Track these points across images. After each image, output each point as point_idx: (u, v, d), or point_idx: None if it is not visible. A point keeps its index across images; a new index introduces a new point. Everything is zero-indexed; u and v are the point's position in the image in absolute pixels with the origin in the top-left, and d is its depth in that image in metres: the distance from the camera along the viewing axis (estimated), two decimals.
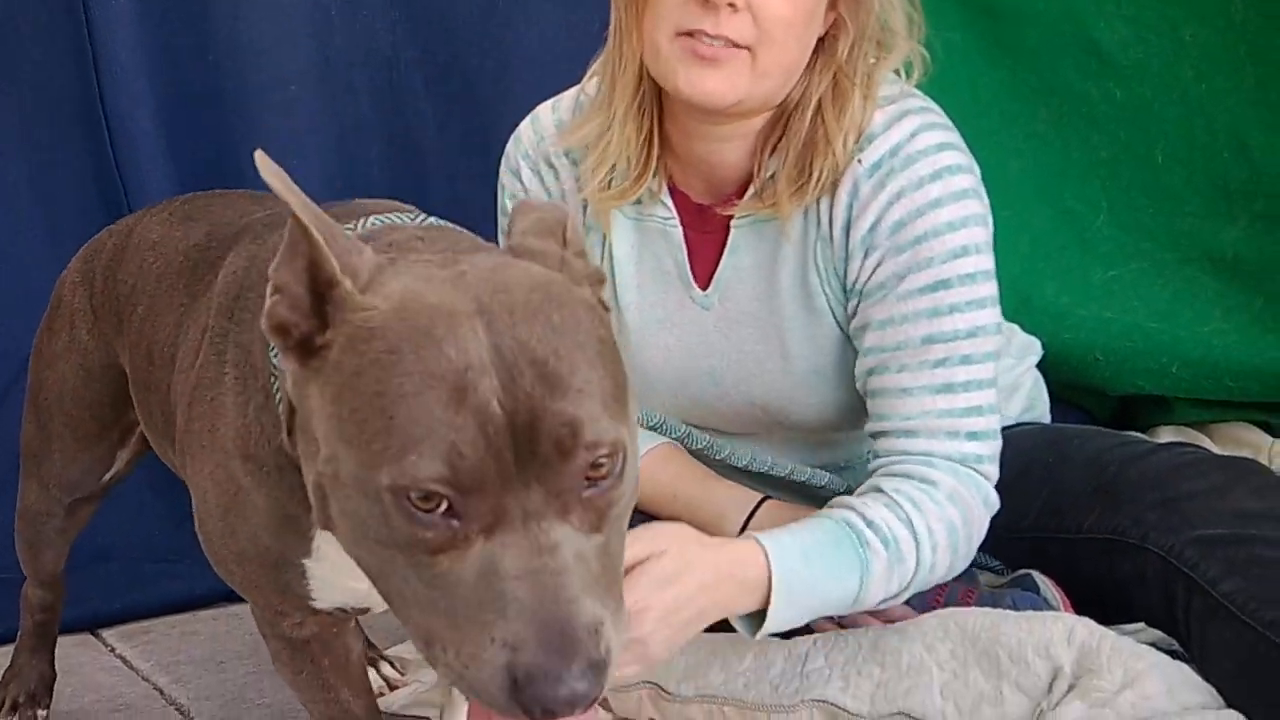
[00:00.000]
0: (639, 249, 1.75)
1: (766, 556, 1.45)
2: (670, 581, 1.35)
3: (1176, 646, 1.60)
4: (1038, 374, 2.03)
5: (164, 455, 1.49)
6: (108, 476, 1.73)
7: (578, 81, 1.76)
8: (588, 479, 0.92)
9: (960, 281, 1.59)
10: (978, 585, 1.81)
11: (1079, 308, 2.55)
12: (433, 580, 0.91)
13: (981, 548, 1.79)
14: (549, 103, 1.81)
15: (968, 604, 1.72)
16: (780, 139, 1.63)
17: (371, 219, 1.17)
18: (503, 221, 1.88)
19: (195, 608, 2.12)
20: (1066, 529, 1.71)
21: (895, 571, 1.53)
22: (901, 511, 1.54)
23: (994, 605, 1.68)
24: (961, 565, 1.62)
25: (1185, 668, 1.48)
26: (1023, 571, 1.77)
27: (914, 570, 1.54)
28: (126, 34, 2.53)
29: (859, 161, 1.60)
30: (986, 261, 1.61)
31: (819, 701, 1.54)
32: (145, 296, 1.49)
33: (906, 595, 1.59)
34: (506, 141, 1.83)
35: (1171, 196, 2.73)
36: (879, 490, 1.57)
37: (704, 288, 1.73)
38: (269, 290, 0.97)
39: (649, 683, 1.64)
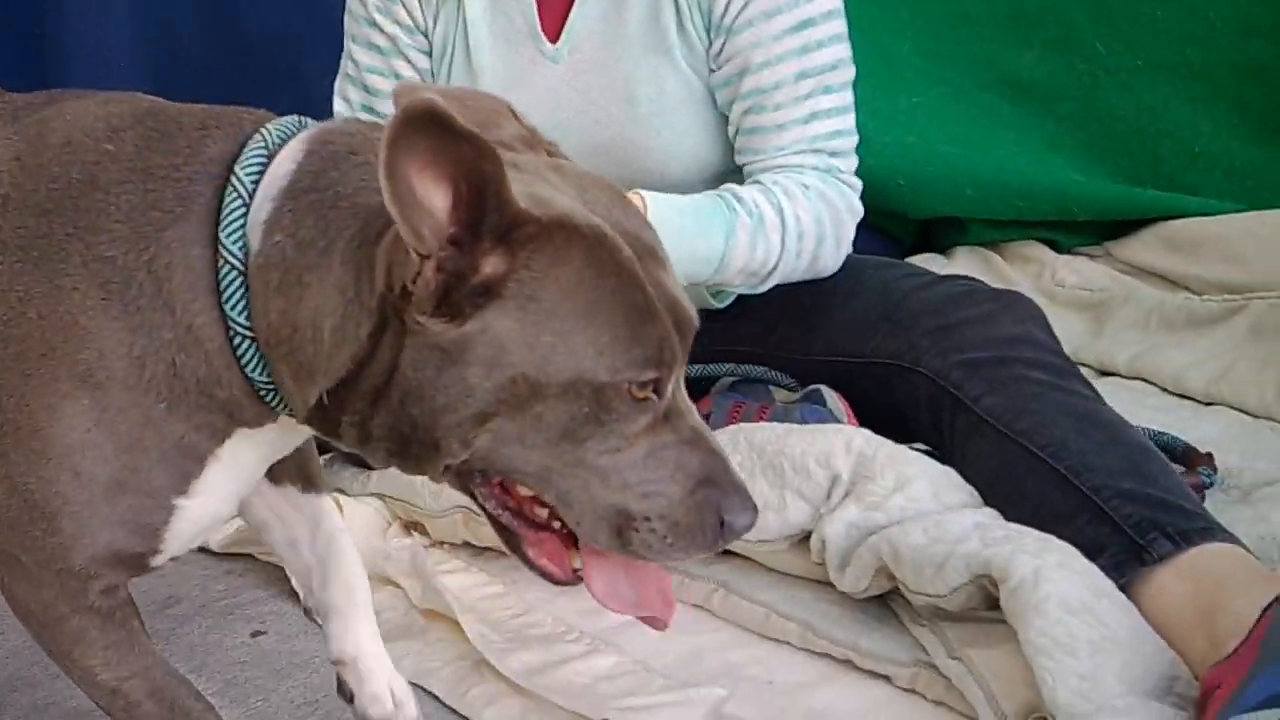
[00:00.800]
0: (490, 10, 1.83)
1: (643, 201, 1.66)
2: None
3: None
4: None
5: None
6: None
7: None
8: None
9: (823, 19, 1.78)
10: (772, 401, 1.92)
11: (884, 134, 2.62)
12: (625, 462, 1.00)
13: (778, 367, 1.93)
14: None
15: (762, 419, 1.83)
16: None
17: (275, 127, 1.05)
18: (352, 46, 1.90)
19: None
20: (855, 353, 1.81)
21: (759, 244, 1.75)
22: (773, 196, 1.76)
23: (785, 419, 1.79)
24: (829, 264, 1.85)
25: (951, 471, 1.59)
26: (813, 387, 1.88)
27: (779, 251, 1.77)
28: None
29: None
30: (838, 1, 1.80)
31: None
32: None
33: (772, 281, 1.81)
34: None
35: (970, 23, 2.81)
36: (756, 182, 1.80)
37: (554, 41, 1.82)
38: (414, 263, 0.92)
39: (462, 507, 1.71)
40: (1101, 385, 2.16)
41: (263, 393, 1.04)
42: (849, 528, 1.52)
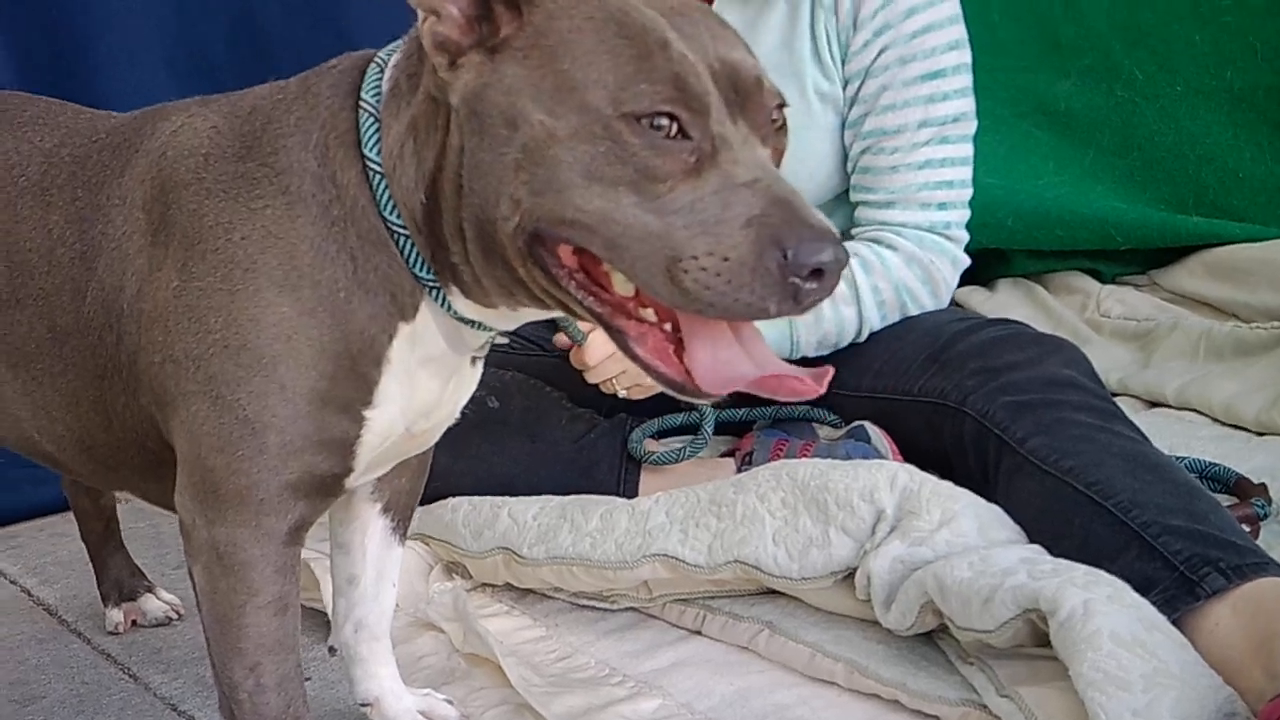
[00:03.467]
0: None
1: None
2: None
3: None
4: None
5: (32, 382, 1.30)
6: None
7: None
8: (771, 121, 1.07)
9: (953, 72, 1.85)
10: (816, 439, 1.91)
11: None
12: (668, 206, 0.99)
13: (823, 405, 1.93)
14: None
15: (805, 456, 1.82)
16: None
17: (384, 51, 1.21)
18: None
19: (63, 510, 2.13)
20: (902, 391, 1.82)
21: (826, 319, 1.83)
22: (847, 271, 1.74)
23: (830, 456, 1.78)
24: (928, 311, 1.91)
25: (995, 508, 1.58)
26: (857, 424, 1.87)
27: (857, 321, 1.86)
28: None
29: None
30: (967, 56, 1.87)
31: (660, 555, 1.62)
32: None
33: (863, 338, 1.87)
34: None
35: (1007, 53, 2.80)
36: None
37: None
38: (420, 20, 1.06)
39: (503, 548, 1.71)
40: (1151, 416, 2.15)
41: (400, 241, 1.13)
42: (894, 563, 1.50)
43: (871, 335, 1.91)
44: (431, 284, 1.14)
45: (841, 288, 1.75)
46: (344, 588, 1.43)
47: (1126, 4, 2.66)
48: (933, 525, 1.52)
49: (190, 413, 1.15)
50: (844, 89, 1.87)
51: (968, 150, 1.88)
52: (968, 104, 1.87)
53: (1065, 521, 1.52)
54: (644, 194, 1.00)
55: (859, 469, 1.61)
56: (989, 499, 1.61)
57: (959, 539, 1.51)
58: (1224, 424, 2.10)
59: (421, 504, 1.84)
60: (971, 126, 1.88)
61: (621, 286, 1.05)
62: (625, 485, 1.85)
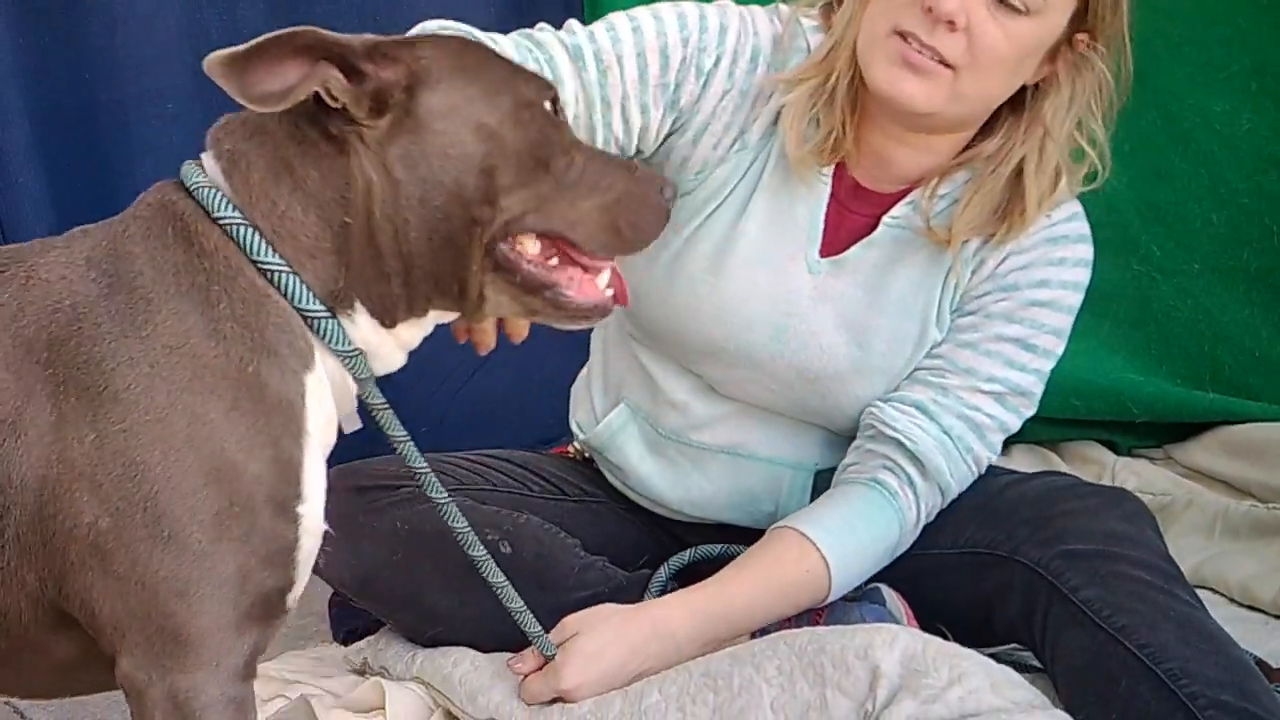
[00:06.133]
0: (781, 191, 1.77)
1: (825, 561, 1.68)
2: (596, 657, 1.60)
3: (1030, 661, 1.70)
4: None
5: None
6: None
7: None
8: None
9: (1042, 354, 1.78)
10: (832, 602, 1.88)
11: None
12: (582, 171, 1.27)
13: None
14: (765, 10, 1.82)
15: (817, 622, 1.78)
16: (957, 169, 1.73)
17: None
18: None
19: None
20: (942, 544, 1.79)
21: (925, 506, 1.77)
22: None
23: (844, 620, 1.75)
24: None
25: (1006, 668, 1.54)
26: (872, 586, 1.84)
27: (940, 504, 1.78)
28: None
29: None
30: (1061, 348, 1.80)
31: None
32: None
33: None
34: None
35: None
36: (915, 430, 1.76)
37: (822, 255, 1.78)
38: (327, 84, 1.17)
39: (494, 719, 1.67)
40: None
41: (281, 281, 1.18)
42: None
43: None
44: (321, 315, 1.19)
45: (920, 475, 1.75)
46: None
47: (1146, 182, 2.71)
48: (943, 683, 1.48)
49: (139, 564, 1.12)
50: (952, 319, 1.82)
51: (1015, 423, 1.81)
52: (1034, 384, 1.80)
53: (1111, 681, 1.49)
54: (569, 167, 1.27)
55: (856, 630, 1.59)
56: (1034, 651, 1.59)
57: (973, 696, 1.47)
58: (1241, 605, 2.07)
59: (424, 645, 1.82)
60: (1031, 404, 1.82)
61: (533, 245, 1.27)
62: None
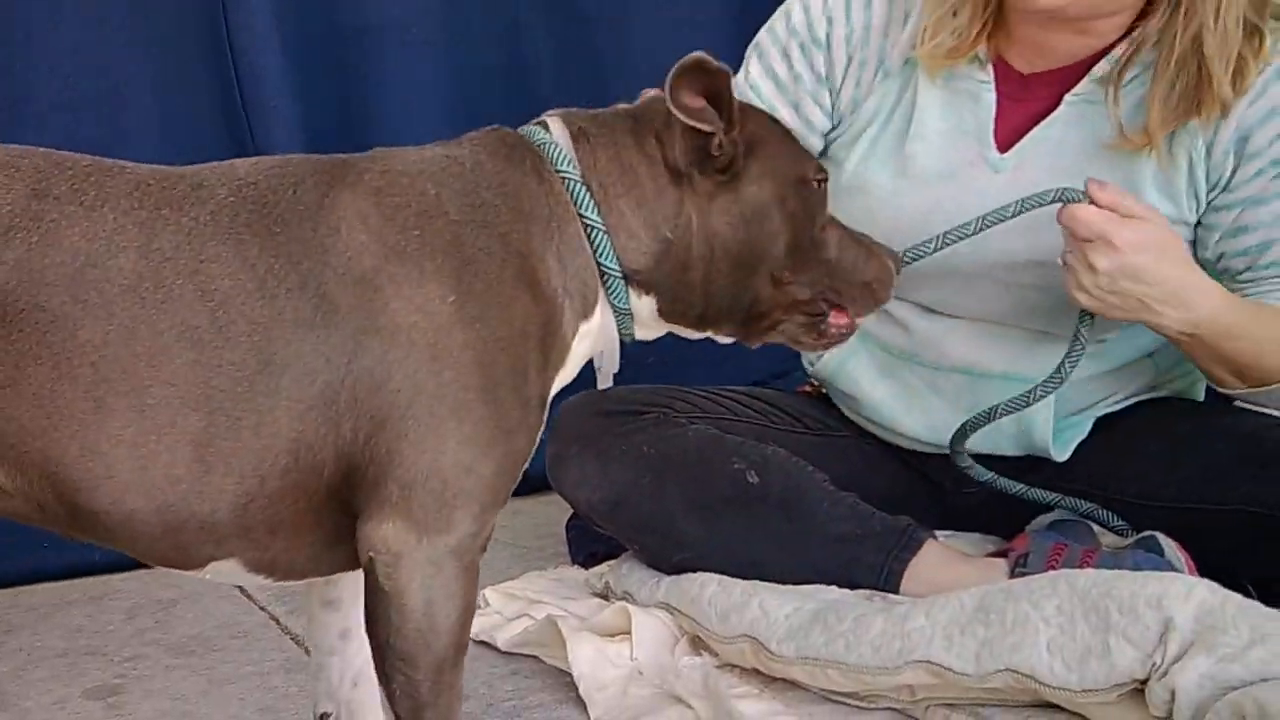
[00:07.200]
0: (942, 105, 1.78)
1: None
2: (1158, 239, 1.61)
3: None
4: None
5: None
6: None
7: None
8: None
9: None
10: (1098, 547, 1.77)
11: None
12: (839, 245, 1.42)
13: (1113, 511, 1.80)
14: None
15: (1087, 564, 1.68)
16: (1135, 54, 1.68)
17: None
18: (753, 61, 1.89)
19: None
20: (1212, 500, 1.70)
21: None
22: None
23: (1115, 566, 1.64)
24: None
25: None
26: (1148, 534, 1.73)
27: None
28: None
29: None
30: None
31: (923, 662, 1.50)
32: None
33: None
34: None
35: None
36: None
37: (1002, 151, 1.76)
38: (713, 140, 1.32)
39: (749, 636, 1.62)
40: None
41: (594, 236, 1.31)
42: (1203, 679, 1.35)
43: (1166, 442, 1.78)
44: (616, 274, 1.32)
45: None
46: (337, 645, 1.41)
47: None
48: (1243, 642, 1.37)
49: (456, 425, 1.19)
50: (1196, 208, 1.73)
51: None
52: None
53: None
54: (830, 240, 1.42)
55: (1149, 578, 1.48)
56: None
57: (1278, 659, 1.35)
58: None
59: (670, 573, 1.79)
60: None
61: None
62: (886, 583, 1.74)
